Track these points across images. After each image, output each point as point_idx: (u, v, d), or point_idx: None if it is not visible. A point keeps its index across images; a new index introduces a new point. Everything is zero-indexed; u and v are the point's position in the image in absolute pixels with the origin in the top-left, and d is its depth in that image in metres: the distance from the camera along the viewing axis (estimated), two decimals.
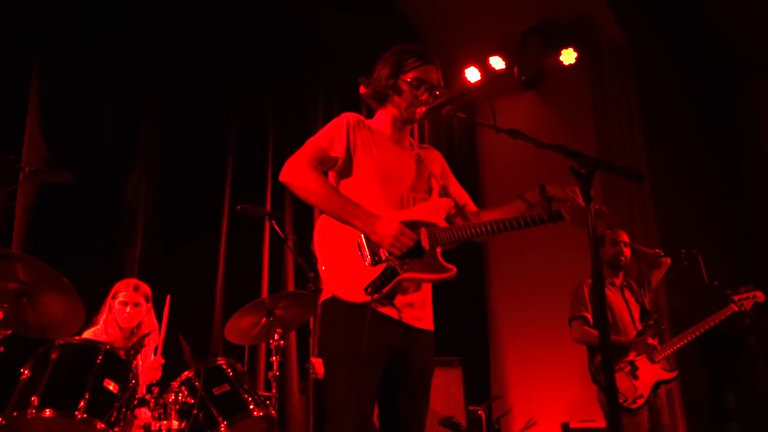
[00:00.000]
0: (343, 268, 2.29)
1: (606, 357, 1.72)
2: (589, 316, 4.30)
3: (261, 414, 3.29)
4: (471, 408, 5.17)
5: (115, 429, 2.84)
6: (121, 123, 4.85)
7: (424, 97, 2.46)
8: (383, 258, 2.29)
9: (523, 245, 6.61)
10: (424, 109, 2.45)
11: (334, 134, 2.44)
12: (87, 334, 3.72)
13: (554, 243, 5.92)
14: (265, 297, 3.98)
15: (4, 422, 2.76)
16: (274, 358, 3.73)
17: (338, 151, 2.42)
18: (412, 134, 2.68)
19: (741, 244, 7.28)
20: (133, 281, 3.96)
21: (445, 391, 5.11)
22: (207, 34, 5.46)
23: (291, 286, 5.43)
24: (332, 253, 2.31)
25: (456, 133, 7.58)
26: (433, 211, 2.44)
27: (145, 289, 3.93)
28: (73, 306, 3.07)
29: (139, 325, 3.86)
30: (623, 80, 6.81)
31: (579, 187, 1.84)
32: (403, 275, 2.28)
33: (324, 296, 2.42)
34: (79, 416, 2.74)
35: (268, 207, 5.42)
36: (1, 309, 2.91)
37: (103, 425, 2.77)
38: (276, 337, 3.74)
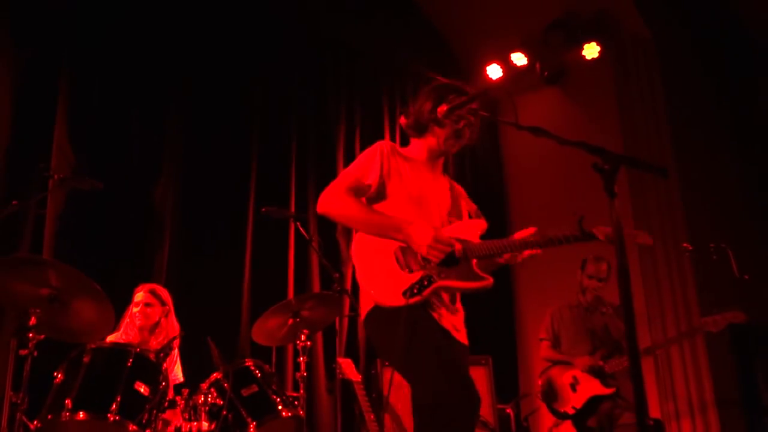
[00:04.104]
0: (383, 277, 2.37)
1: (634, 361, 1.69)
2: (548, 341, 4.92)
3: (289, 414, 3.32)
4: (499, 406, 5.14)
5: (147, 431, 2.88)
6: (147, 130, 4.92)
7: (465, 131, 2.58)
8: (420, 266, 2.36)
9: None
10: (445, 107, 2.47)
11: (367, 163, 2.51)
12: (108, 339, 3.78)
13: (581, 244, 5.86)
14: (292, 298, 4.01)
15: (39, 425, 2.82)
16: (301, 358, 3.76)
17: (372, 179, 2.48)
18: (446, 166, 2.77)
19: None
20: (150, 285, 4.04)
21: None
22: (229, 40, 5.51)
23: (317, 287, 5.45)
24: (371, 265, 2.39)
25: (479, 132, 7.54)
26: (468, 230, 2.51)
27: (161, 292, 4.00)
28: (103, 310, 3.12)
29: (154, 327, 3.91)
30: (648, 74, 6.71)
31: (603, 182, 1.81)
32: (440, 282, 2.34)
33: (366, 309, 2.45)
34: (112, 418, 2.79)
35: (293, 209, 5.44)
36: (34, 314, 2.97)
37: (135, 427, 2.82)
38: (303, 338, 3.77)
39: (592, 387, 4.53)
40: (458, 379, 2.26)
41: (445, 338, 2.39)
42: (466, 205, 2.68)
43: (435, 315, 2.38)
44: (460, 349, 2.46)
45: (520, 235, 2.50)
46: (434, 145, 2.61)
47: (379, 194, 2.50)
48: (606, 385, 4.51)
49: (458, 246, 2.38)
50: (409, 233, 2.33)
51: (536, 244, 2.43)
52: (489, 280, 2.39)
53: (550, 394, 4.68)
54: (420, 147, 2.65)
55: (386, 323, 2.34)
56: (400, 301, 2.30)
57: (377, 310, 2.38)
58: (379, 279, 2.36)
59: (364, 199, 2.52)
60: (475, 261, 2.41)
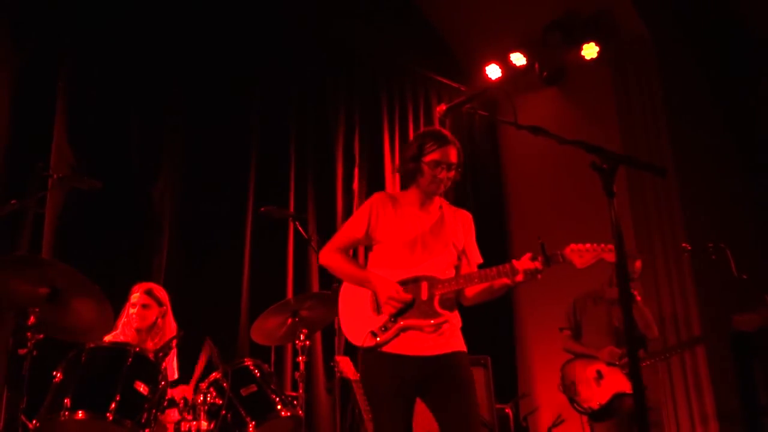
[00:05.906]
0: (355, 319, 2.78)
1: (633, 359, 1.70)
2: (569, 332, 4.86)
3: (288, 414, 3.33)
4: (498, 406, 5.15)
5: (146, 430, 2.88)
6: (146, 129, 4.91)
7: (442, 175, 2.82)
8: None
9: (548, 242, 6.56)
10: (444, 107, 2.53)
11: (357, 219, 2.92)
12: (106, 339, 3.77)
13: (580, 240, 5.87)
14: (291, 298, 4.02)
15: (38, 424, 2.82)
16: (300, 358, 3.77)
17: (360, 232, 2.89)
18: (447, 195, 2.99)
19: None
20: (147, 285, 3.99)
21: None
22: (229, 40, 5.50)
23: (315, 287, 5.45)
24: (348, 309, 2.82)
25: (478, 131, 7.55)
26: (440, 266, 2.81)
27: (159, 292, 3.95)
28: (102, 310, 3.12)
29: (151, 328, 3.89)
30: (646, 74, 6.73)
31: (602, 182, 1.83)
32: (402, 323, 2.70)
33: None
34: (111, 417, 2.79)
35: (292, 208, 5.44)
36: (32, 313, 2.97)
37: (134, 426, 2.82)
38: (302, 337, 3.78)
39: (618, 383, 4.45)
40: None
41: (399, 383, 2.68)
42: (453, 237, 2.88)
43: (407, 348, 2.67)
44: (438, 363, 2.70)
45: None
46: (421, 189, 2.89)
47: (372, 240, 2.90)
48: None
49: (424, 286, 2.72)
50: (377, 287, 2.73)
51: (491, 276, 2.70)
52: (443, 316, 2.71)
53: (572, 389, 4.60)
54: (411, 190, 2.94)
55: (362, 365, 2.75)
56: (369, 341, 2.68)
57: (360, 350, 2.75)
58: (351, 320, 2.78)
59: (352, 252, 2.96)
60: (437, 298, 2.71)
